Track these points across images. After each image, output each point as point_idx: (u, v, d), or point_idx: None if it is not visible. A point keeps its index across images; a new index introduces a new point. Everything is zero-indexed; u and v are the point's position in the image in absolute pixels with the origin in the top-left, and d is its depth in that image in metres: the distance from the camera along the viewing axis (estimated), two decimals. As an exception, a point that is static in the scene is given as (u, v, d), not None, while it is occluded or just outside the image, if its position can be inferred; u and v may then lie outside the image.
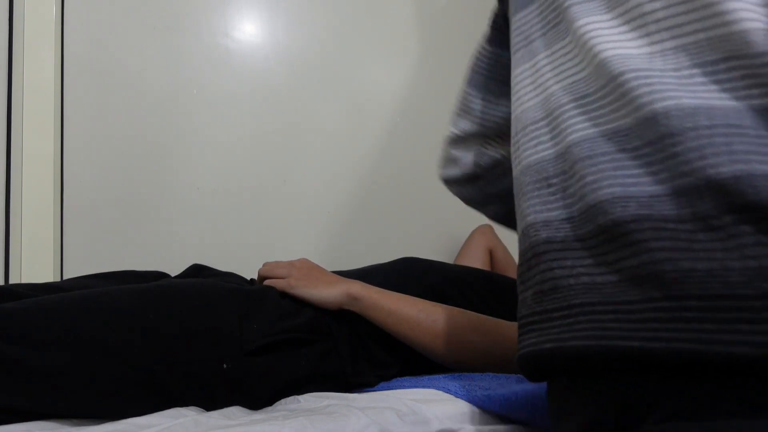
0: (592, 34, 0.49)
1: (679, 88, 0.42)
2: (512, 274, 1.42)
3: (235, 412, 0.70)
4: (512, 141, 0.57)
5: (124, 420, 0.62)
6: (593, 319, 0.41)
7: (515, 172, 0.55)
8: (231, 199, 1.41)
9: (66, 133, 1.27)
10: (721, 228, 0.37)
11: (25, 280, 1.16)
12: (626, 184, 0.42)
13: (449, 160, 0.83)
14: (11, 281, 1.17)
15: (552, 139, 0.51)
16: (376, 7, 1.70)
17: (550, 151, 0.51)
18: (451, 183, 0.86)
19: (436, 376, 0.80)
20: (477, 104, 0.77)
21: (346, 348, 0.85)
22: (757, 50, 0.39)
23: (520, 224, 0.53)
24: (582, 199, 0.45)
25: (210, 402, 0.72)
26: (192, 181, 1.38)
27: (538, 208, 0.50)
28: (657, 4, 0.45)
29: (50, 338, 0.65)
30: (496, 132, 0.78)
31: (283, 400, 0.77)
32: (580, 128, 0.48)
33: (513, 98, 0.59)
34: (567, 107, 0.50)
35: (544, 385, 0.53)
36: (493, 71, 0.76)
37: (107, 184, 1.29)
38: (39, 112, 1.23)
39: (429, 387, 0.77)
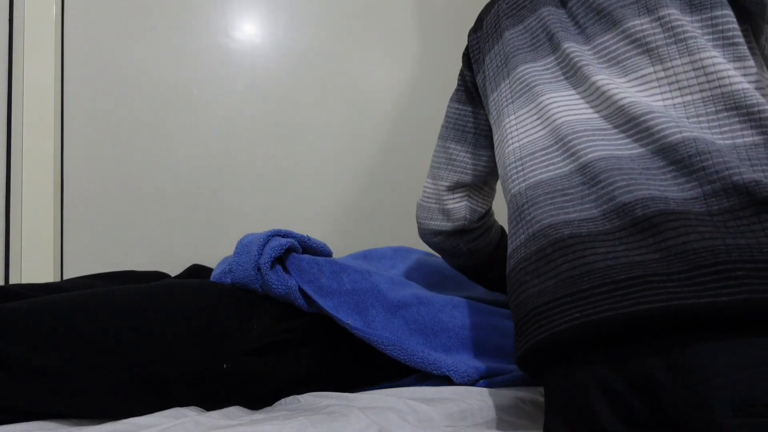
0: (615, 89, 0.64)
1: (692, 126, 0.57)
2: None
3: (235, 412, 0.70)
4: (510, 168, 0.69)
5: (124, 420, 0.62)
6: (652, 287, 0.49)
7: (516, 189, 0.66)
8: (231, 199, 1.41)
9: (66, 133, 1.26)
10: (746, 217, 0.50)
11: (25, 280, 1.16)
12: (660, 189, 0.55)
13: (442, 212, 0.91)
14: (11, 281, 1.17)
15: (565, 159, 0.63)
16: (376, 7, 1.70)
17: (564, 169, 0.63)
18: (436, 234, 0.93)
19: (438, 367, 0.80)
20: (462, 156, 0.88)
21: (346, 348, 0.85)
22: (748, 103, 0.56)
23: (527, 230, 0.62)
24: (610, 201, 0.56)
25: (210, 402, 0.72)
26: (192, 181, 1.37)
27: (553, 212, 0.59)
28: (664, 73, 0.62)
29: (50, 338, 0.65)
30: (482, 181, 0.91)
31: (283, 400, 0.77)
32: (601, 148, 0.61)
33: (512, 134, 0.71)
34: (584, 134, 0.63)
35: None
36: (475, 126, 0.88)
37: (107, 184, 1.29)
38: (39, 112, 1.22)
39: (430, 385, 0.77)
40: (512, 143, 0.70)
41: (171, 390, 0.70)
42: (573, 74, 0.69)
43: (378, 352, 0.80)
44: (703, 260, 0.48)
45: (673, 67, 0.62)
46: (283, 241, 0.84)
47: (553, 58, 0.73)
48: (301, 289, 0.81)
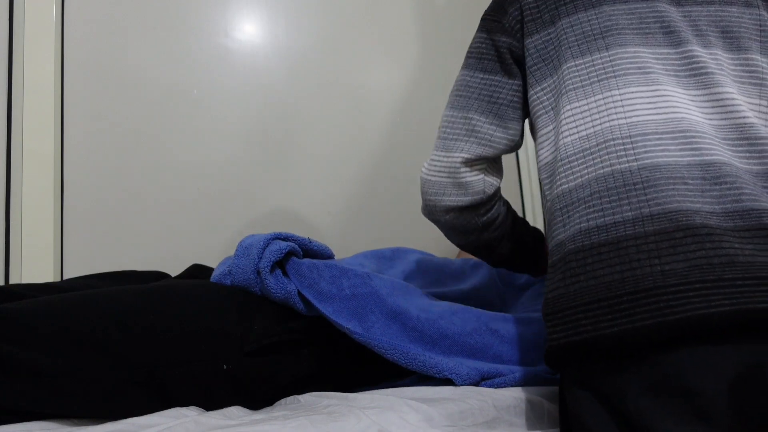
0: (740, 105, 0.69)
1: None
2: (512, 273, 1.42)
3: (235, 412, 0.70)
4: (615, 143, 0.68)
5: (124, 420, 0.62)
6: None
7: (624, 167, 0.66)
8: (231, 199, 1.41)
9: (66, 133, 1.27)
10: None
11: (25, 280, 1.16)
12: None
13: (458, 186, 0.84)
14: (11, 281, 1.17)
15: (683, 150, 0.66)
16: (376, 7, 1.70)
17: (681, 160, 0.65)
18: (449, 211, 0.86)
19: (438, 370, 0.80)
20: (487, 128, 0.83)
21: (346, 349, 0.85)
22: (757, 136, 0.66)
23: (640, 209, 0.63)
24: (736, 202, 0.61)
25: (210, 402, 0.72)
26: (192, 181, 1.37)
27: (678, 198, 0.62)
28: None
29: (51, 338, 0.65)
30: (500, 154, 0.86)
31: (283, 400, 0.77)
32: (722, 153, 0.66)
33: (619, 109, 0.70)
34: (706, 135, 0.66)
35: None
36: (507, 98, 0.84)
37: (107, 184, 1.29)
38: (39, 112, 1.23)
39: (430, 385, 0.77)
40: (618, 118, 0.70)
41: (171, 390, 0.70)
42: (693, 76, 0.72)
43: (378, 354, 0.80)
44: None
45: None
46: (283, 244, 0.84)
47: (669, 51, 0.74)
48: (300, 294, 0.81)
